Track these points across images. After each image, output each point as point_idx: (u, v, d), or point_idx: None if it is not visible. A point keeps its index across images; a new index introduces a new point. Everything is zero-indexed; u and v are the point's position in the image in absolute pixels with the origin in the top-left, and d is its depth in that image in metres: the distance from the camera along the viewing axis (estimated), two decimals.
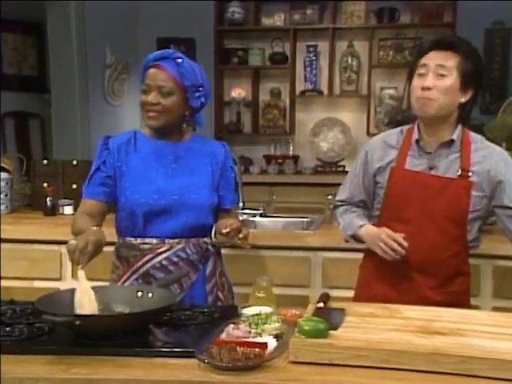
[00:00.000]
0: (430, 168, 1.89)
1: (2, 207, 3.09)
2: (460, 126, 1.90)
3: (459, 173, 1.85)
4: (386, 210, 1.95)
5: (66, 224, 2.88)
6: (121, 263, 1.99)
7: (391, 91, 5.27)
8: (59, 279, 2.76)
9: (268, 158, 5.48)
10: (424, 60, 1.84)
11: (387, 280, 1.94)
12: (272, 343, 1.42)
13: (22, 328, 1.54)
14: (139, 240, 1.94)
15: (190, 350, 1.39)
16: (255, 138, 5.61)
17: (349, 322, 1.53)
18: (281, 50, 5.45)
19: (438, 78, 1.80)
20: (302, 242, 2.72)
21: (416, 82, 1.85)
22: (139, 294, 1.68)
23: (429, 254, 1.87)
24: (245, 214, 3.19)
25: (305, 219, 3.16)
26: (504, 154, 1.92)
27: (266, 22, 5.47)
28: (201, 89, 1.94)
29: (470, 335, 1.46)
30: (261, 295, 1.73)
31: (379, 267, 1.96)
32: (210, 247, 2.00)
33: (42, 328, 1.55)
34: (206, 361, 1.34)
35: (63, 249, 2.72)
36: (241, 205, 2.77)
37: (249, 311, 1.59)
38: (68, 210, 3.10)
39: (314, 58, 5.40)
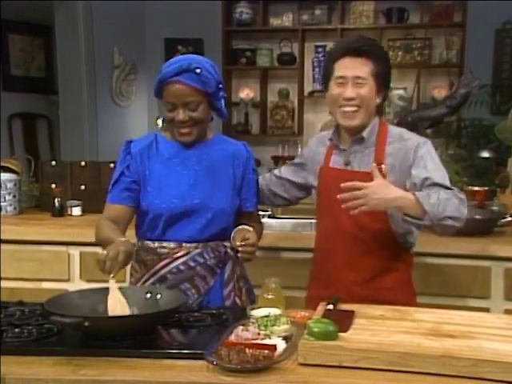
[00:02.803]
0: (346, 164, 1.94)
1: (10, 208, 3.11)
2: (375, 123, 1.94)
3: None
4: (318, 208, 2.02)
5: (74, 225, 2.91)
6: (139, 266, 1.98)
7: (400, 92, 5.24)
8: (67, 280, 2.77)
9: (276, 159, 5.48)
10: (340, 70, 1.88)
11: (320, 280, 1.99)
12: (281, 345, 1.42)
13: (30, 329, 1.55)
14: (157, 244, 1.92)
15: (199, 351, 1.40)
16: (263, 138, 5.62)
17: (358, 324, 1.53)
18: (289, 50, 5.45)
19: (357, 86, 1.87)
20: (310, 243, 2.71)
21: (336, 91, 1.90)
22: (148, 295, 1.68)
23: (352, 250, 1.91)
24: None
25: (313, 220, 3.14)
26: (419, 141, 1.90)
27: (274, 22, 5.48)
28: (221, 86, 1.91)
29: (480, 338, 1.45)
30: (270, 297, 1.73)
31: (316, 269, 2.04)
32: (229, 250, 1.96)
33: (51, 329, 1.56)
34: (214, 362, 1.35)
35: (71, 250, 2.76)
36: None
37: (258, 313, 1.59)
38: (76, 211, 3.11)
39: (322, 58, 5.40)
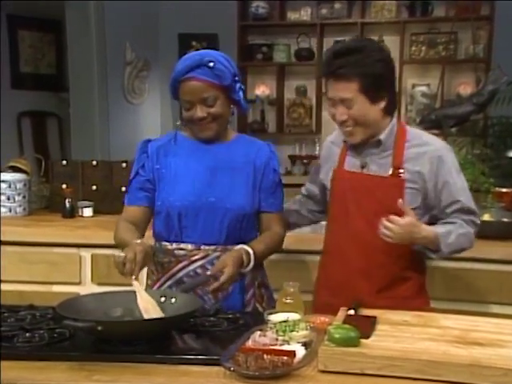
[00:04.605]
0: (362, 167, 1.92)
1: (20, 209, 3.14)
2: (394, 124, 1.91)
3: (390, 171, 1.87)
4: (330, 212, 2.00)
5: (85, 226, 2.93)
6: (156, 268, 1.99)
7: (424, 88, 5.23)
8: (79, 283, 2.79)
9: (293, 159, 5.49)
10: (328, 91, 1.88)
11: (329, 287, 1.98)
12: (300, 351, 1.42)
13: (42, 333, 1.56)
14: (174, 245, 1.93)
15: (215, 357, 1.40)
16: (280, 137, 5.62)
17: (381, 331, 1.52)
18: (307, 45, 5.45)
19: (347, 107, 1.84)
20: None
21: (330, 111, 1.90)
22: (162, 299, 1.69)
23: (367, 258, 1.89)
24: None
25: None
26: (442, 148, 1.90)
27: (292, 16, 5.48)
28: (237, 78, 1.92)
29: (510, 346, 1.44)
30: (288, 301, 1.73)
31: (324, 274, 2.03)
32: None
33: (63, 333, 1.57)
34: (231, 369, 1.35)
35: (83, 252, 2.78)
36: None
37: (276, 318, 1.59)
38: (87, 212, 3.14)
39: None
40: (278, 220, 2.02)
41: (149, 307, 1.61)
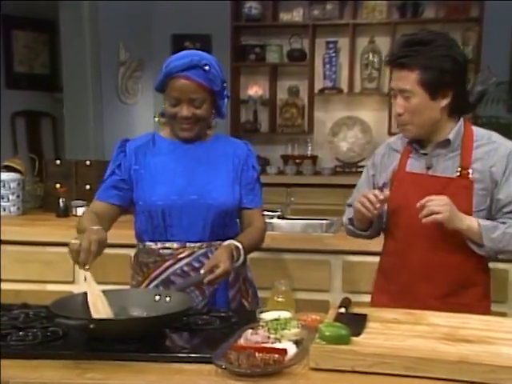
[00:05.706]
0: (428, 168, 1.87)
1: (14, 209, 3.13)
2: (461, 124, 1.86)
3: (458, 172, 1.82)
4: (389, 215, 1.92)
5: None
6: (140, 269, 1.99)
7: None
8: (72, 282, 2.79)
9: (285, 158, 5.48)
10: (392, 81, 1.85)
11: (391, 292, 1.92)
12: (292, 349, 1.42)
13: (35, 332, 1.56)
14: (159, 245, 1.94)
15: (207, 355, 1.40)
16: (272, 137, 5.62)
17: (371, 328, 1.53)
18: (299, 46, 5.45)
19: (406, 100, 1.80)
20: (321, 244, 2.72)
21: (393, 102, 1.87)
22: (157, 297, 1.70)
23: (431, 260, 1.84)
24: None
25: (324, 221, 3.15)
26: (510, 149, 1.82)
27: (284, 17, 5.48)
28: (225, 85, 1.95)
29: (498, 343, 1.44)
30: (280, 300, 1.74)
31: (384, 278, 1.97)
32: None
33: (57, 332, 1.57)
34: (223, 367, 1.35)
35: None
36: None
37: (267, 316, 1.59)
38: (81, 211, 3.12)
39: (333, 54, 5.39)
40: (258, 216, 2.04)
41: (98, 302, 1.59)
